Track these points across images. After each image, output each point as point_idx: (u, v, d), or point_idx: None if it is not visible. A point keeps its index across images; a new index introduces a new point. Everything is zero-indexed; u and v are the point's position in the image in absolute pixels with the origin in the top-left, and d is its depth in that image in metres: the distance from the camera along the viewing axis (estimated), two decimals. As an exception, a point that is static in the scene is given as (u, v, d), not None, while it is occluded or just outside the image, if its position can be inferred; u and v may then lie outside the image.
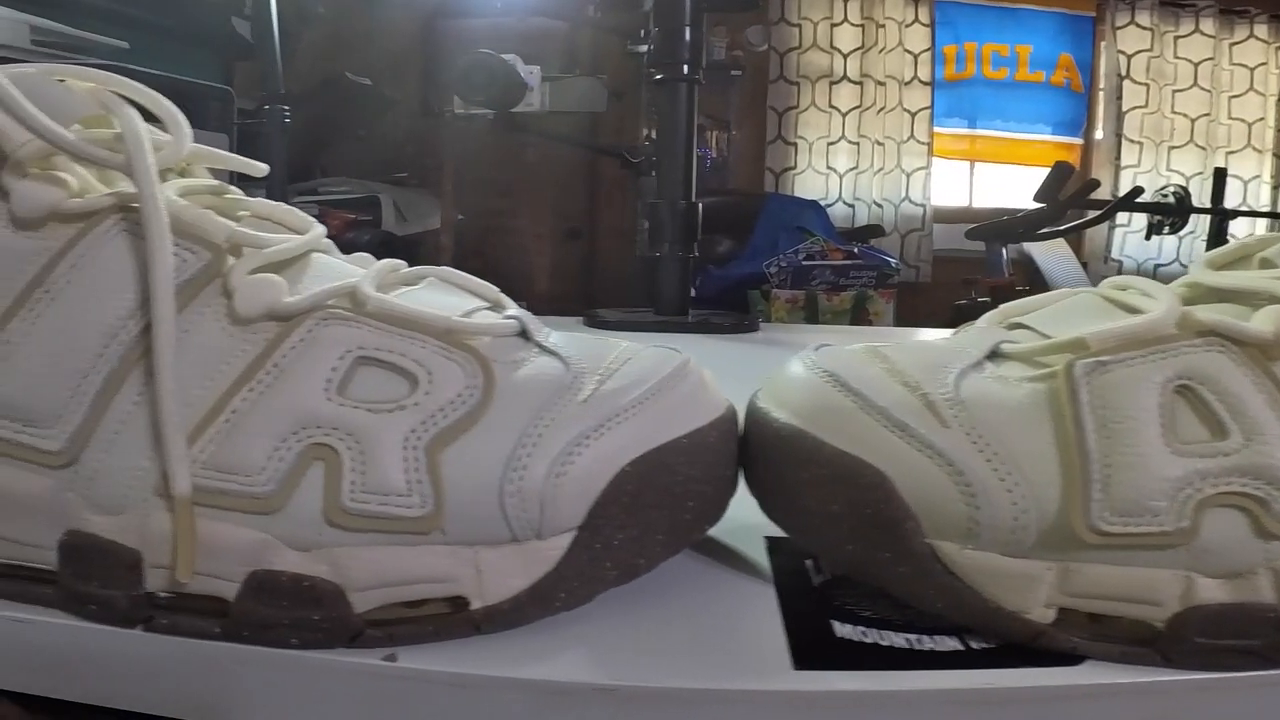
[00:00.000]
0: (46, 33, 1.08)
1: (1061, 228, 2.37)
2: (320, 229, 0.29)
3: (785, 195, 3.04)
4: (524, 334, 0.27)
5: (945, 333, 0.35)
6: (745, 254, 2.60)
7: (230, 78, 1.85)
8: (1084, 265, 3.10)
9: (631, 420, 0.24)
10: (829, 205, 3.02)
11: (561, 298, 2.66)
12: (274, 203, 0.29)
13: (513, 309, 0.29)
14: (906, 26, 3.15)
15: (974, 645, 0.24)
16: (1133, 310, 0.26)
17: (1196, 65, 3.11)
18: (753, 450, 0.27)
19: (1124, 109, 3.13)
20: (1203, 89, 3.11)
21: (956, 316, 2.36)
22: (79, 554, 0.23)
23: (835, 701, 0.22)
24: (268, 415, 0.23)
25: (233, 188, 0.29)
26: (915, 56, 3.16)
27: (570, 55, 2.59)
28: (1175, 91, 3.12)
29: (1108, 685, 0.22)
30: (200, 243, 0.25)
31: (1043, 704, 0.22)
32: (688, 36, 0.96)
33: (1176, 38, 3.10)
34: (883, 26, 3.14)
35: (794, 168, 3.18)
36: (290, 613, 0.22)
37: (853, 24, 3.16)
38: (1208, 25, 3.09)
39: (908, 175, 3.15)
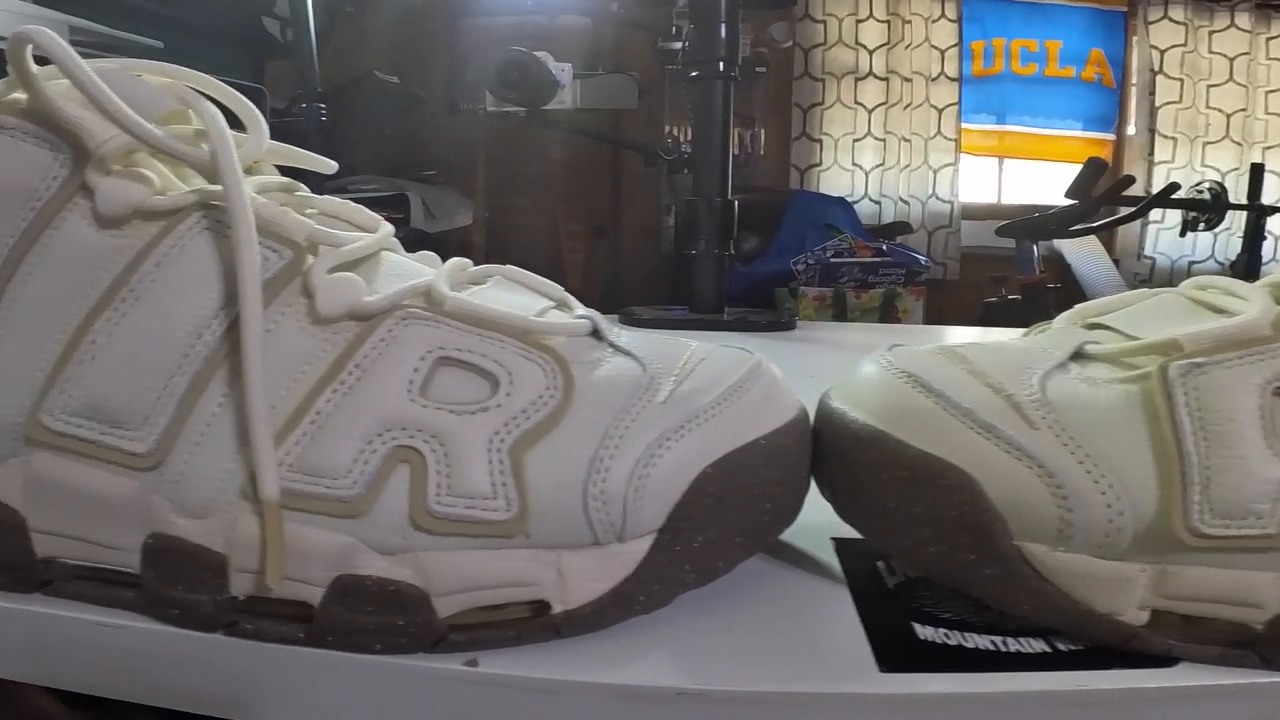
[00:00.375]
0: (85, 32, 1.09)
1: (1094, 224, 2.34)
2: (389, 227, 0.29)
3: (812, 192, 3.02)
4: (596, 333, 0.27)
5: (1013, 332, 0.35)
6: (772, 251, 2.58)
7: (261, 77, 1.86)
8: (1116, 262, 3.06)
9: (711, 422, 0.24)
10: (855, 202, 3.00)
11: (586, 296, 2.66)
12: (340, 200, 0.29)
13: (581, 308, 0.29)
14: (933, 22, 3.12)
15: (1061, 647, 0.24)
16: (1220, 311, 0.26)
17: (1232, 60, 3.06)
18: (828, 451, 0.27)
19: (1157, 104, 3.08)
20: (1238, 84, 3.06)
21: (987, 314, 2.34)
22: (164, 557, 0.23)
23: (927, 704, 0.22)
24: (352, 417, 0.23)
25: (301, 185, 0.29)
26: (942, 52, 3.13)
27: (594, 52, 2.59)
28: (1210, 86, 3.07)
29: (1205, 687, 0.22)
30: (281, 241, 0.24)
31: (1139, 705, 0.22)
32: (723, 33, 0.96)
33: (1211, 32, 3.05)
34: (909, 22, 3.11)
35: (819, 164, 3.16)
36: (375, 618, 0.22)
37: (878, 20, 3.13)
38: (1243, 20, 3.04)
39: (935, 172, 3.13)
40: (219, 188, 0.24)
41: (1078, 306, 0.30)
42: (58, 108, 0.24)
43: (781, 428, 0.26)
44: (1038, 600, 0.23)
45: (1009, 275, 2.42)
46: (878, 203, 3.14)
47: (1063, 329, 0.29)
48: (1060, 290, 2.37)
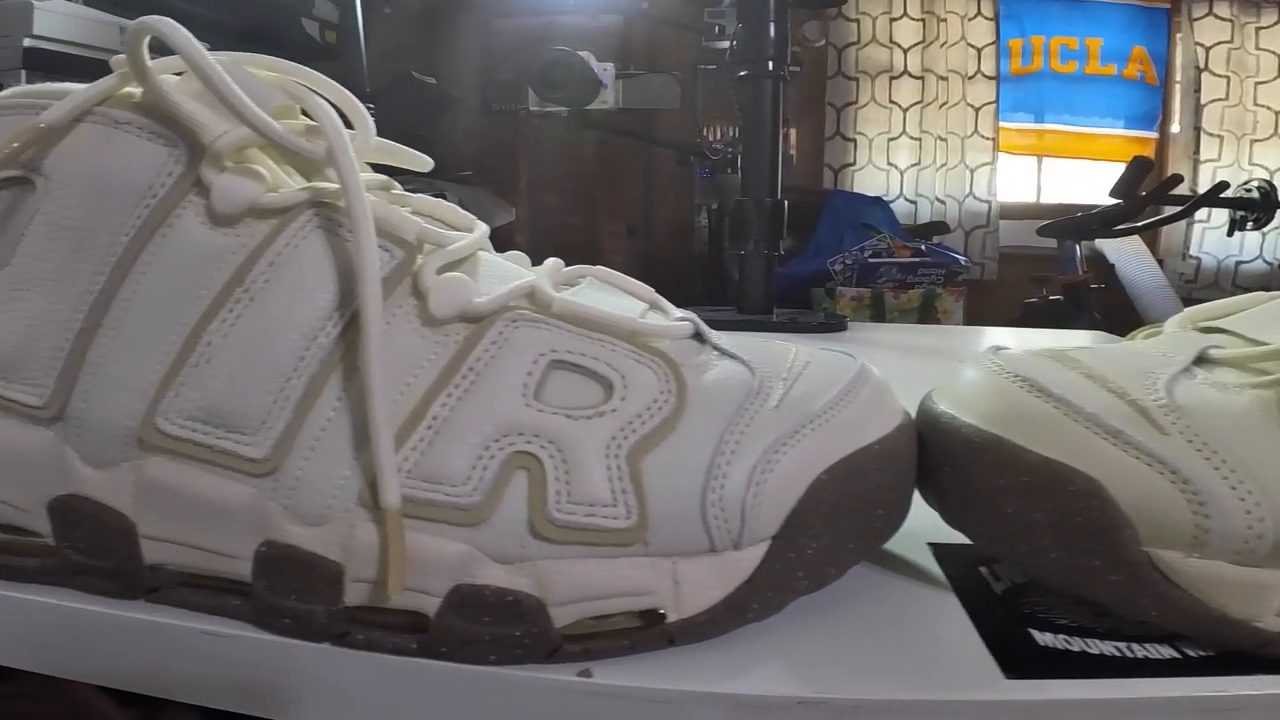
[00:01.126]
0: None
1: (1139, 224, 2.31)
2: (484, 226, 0.28)
3: (849, 192, 3.00)
4: (699, 336, 0.26)
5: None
6: (808, 251, 2.58)
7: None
8: (1160, 262, 3.02)
9: (825, 427, 0.24)
10: (890, 202, 2.98)
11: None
12: (433, 199, 0.28)
13: (676, 310, 0.28)
14: (969, 20, 3.10)
15: (1190, 652, 0.23)
16: None
17: (1280, 57, 3.01)
18: (935, 456, 0.26)
19: (1203, 102, 3.03)
20: (1288, 80, 3.01)
21: (1027, 315, 2.31)
22: (277, 565, 0.22)
23: (1059, 710, 0.21)
24: (469, 422, 0.22)
25: (395, 183, 0.28)
26: (979, 50, 3.10)
27: (626, 51, 2.59)
28: (1258, 84, 3.02)
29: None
30: (394, 240, 0.24)
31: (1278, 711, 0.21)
32: (772, 32, 0.95)
33: (1258, 29, 3.00)
34: (944, 20, 3.09)
35: (853, 164, 3.14)
36: (491, 628, 0.22)
37: (913, 18, 3.11)
38: (1291, 16, 3.00)
39: (972, 171, 3.10)
40: (329, 185, 0.24)
41: (1187, 310, 0.29)
42: (173, 101, 0.24)
43: (892, 432, 0.25)
44: (1166, 606, 0.22)
45: (1050, 275, 2.39)
46: (913, 202, 3.12)
47: (1176, 333, 0.28)
48: (1104, 290, 2.34)
